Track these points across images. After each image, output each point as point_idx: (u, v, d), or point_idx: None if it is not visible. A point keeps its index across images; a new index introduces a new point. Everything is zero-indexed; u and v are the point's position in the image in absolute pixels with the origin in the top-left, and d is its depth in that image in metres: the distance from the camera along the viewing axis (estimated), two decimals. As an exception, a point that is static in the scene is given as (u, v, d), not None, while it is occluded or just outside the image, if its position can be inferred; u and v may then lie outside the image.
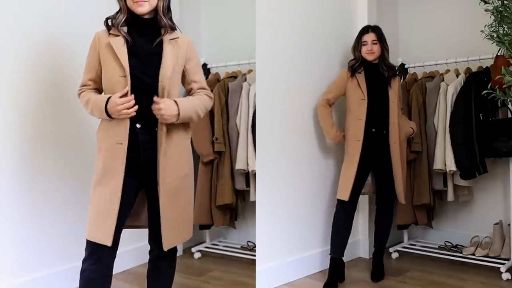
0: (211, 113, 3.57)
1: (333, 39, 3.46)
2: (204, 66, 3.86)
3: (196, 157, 3.62)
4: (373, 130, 3.06)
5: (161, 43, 2.07)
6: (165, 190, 2.03)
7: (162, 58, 2.04)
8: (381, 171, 3.14)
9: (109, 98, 1.96)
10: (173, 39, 2.10)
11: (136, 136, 1.99)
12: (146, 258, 2.24)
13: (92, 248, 1.99)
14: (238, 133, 3.50)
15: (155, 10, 2.06)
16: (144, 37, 2.06)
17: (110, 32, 2.03)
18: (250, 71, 3.58)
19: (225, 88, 3.59)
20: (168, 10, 2.10)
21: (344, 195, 3.03)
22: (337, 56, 3.47)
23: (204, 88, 2.22)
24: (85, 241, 2.01)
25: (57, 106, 2.89)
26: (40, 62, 2.79)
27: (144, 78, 2.00)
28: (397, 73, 3.77)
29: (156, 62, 2.04)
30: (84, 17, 2.95)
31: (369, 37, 3.09)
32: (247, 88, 3.50)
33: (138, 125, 2.00)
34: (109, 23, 2.06)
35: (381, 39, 3.10)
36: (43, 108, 2.82)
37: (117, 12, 2.05)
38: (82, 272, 1.99)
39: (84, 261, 2.01)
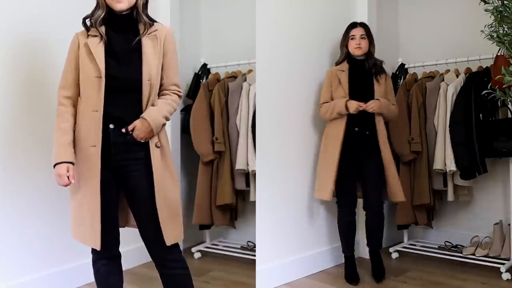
0: (211, 113, 3.58)
1: (333, 39, 3.45)
2: (204, 66, 3.87)
3: (196, 157, 3.64)
4: (356, 129, 3.04)
5: (139, 40, 2.04)
6: (159, 188, 2.01)
7: (142, 56, 2.01)
8: (365, 173, 3.07)
9: (63, 162, 1.96)
10: (151, 33, 2.06)
11: (108, 137, 1.98)
12: (146, 258, 2.24)
13: (97, 250, 2.03)
14: (238, 133, 3.50)
15: (132, 7, 2.03)
16: (122, 34, 2.04)
17: (89, 33, 2.02)
18: (250, 71, 3.58)
19: (225, 88, 3.59)
20: (145, 7, 2.06)
21: (324, 195, 3.06)
22: (337, 57, 3.46)
23: (174, 85, 2.14)
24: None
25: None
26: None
27: (121, 78, 1.98)
28: (398, 73, 3.79)
29: (135, 60, 2.01)
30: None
31: (358, 31, 3.09)
32: (247, 88, 3.50)
33: (111, 126, 1.98)
34: (87, 23, 2.04)
35: (369, 34, 3.11)
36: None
37: (95, 9, 2.03)
38: (98, 268, 2.10)
39: (94, 260, 2.10)
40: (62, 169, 1.96)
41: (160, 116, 2.03)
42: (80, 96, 2.03)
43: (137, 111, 2.01)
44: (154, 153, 2.02)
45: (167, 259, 2.09)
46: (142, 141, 2.00)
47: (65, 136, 1.99)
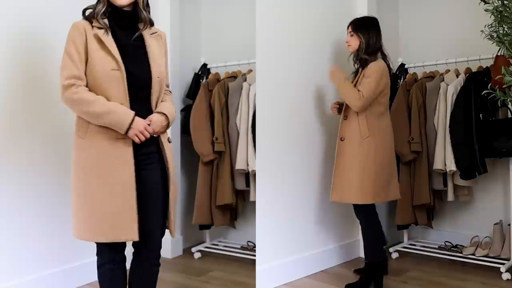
0: (211, 113, 3.57)
1: (333, 39, 3.46)
2: (204, 66, 3.86)
3: (196, 157, 3.64)
4: None
5: (141, 37, 2.03)
6: (171, 182, 2.06)
7: (148, 53, 2.02)
8: None
9: (135, 116, 1.92)
10: (153, 33, 2.09)
11: None
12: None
13: (109, 250, 1.97)
14: (238, 133, 3.50)
15: (134, 3, 2.02)
16: (124, 30, 2.02)
17: (93, 24, 1.96)
18: (250, 71, 3.58)
19: (225, 88, 3.59)
20: (147, 5, 2.06)
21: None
22: (336, 57, 3.47)
23: (167, 85, 2.21)
24: (97, 243, 2.00)
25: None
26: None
27: (134, 73, 1.96)
28: (398, 73, 3.78)
29: (141, 57, 2.01)
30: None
31: (348, 29, 3.03)
32: (247, 88, 3.50)
33: None
34: (86, 13, 2.00)
35: (358, 29, 2.96)
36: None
37: (96, 3, 2.00)
38: (105, 271, 2.01)
39: (104, 263, 2.01)
40: (141, 122, 1.92)
41: (174, 111, 2.10)
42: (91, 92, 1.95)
43: (146, 108, 2.00)
44: (167, 148, 2.06)
45: (157, 255, 2.08)
46: (155, 135, 2.00)
47: (110, 102, 1.91)
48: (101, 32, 1.95)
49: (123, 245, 2.06)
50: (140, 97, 1.99)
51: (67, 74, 1.91)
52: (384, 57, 2.98)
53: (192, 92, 3.81)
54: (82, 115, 1.94)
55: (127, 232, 1.93)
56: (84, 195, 1.95)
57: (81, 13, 2.02)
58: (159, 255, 2.09)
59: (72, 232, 2.02)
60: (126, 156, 1.93)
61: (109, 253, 2.00)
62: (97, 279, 2.08)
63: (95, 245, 2.03)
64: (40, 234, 2.81)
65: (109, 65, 1.92)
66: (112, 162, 1.93)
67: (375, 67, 2.89)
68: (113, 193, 1.92)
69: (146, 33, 2.06)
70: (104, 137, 1.94)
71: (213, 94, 3.58)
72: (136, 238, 1.93)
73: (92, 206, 1.94)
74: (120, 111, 1.90)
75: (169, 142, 2.09)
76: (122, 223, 1.93)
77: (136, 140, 1.93)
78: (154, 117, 1.99)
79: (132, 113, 1.92)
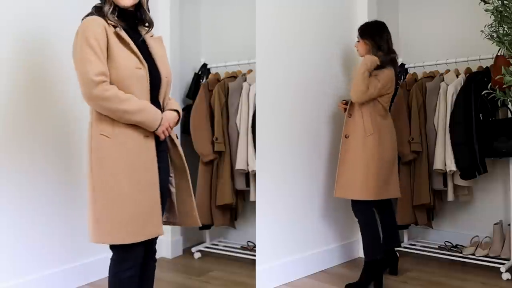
0: (211, 113, 3.57)
1: (333, 39, 3.46)
2: (204, 66, 3.86)
3: (196, 157, 3.64)
4: None
5: (142, 39, 2.04)
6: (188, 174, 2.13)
7: (153, 54, 2.03)
8: None
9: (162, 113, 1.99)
10: (152, 36, 2.10)
11: None
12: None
13: (132, 252, 1.92)
14: (238, 133, 3.50)
15: (137, 5, 2.01)
16: (131, 30, 2.02)
17: (108, 22, 1.92)
18: (250, 71, 3.58)
19: (225, 88, 3.59)
20: (147, 6, 2.06)
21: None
22: (336, 57, 3.47)
23: None
24: (120, 249, 1.91)
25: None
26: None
27: (151, 71, 1.97)
28: (398, 73, 3.78)
29: (148, 57, 2.00)
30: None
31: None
32: (247, 88, 3.50)
33: None
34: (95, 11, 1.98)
35: (363, 35, 3.02)
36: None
37: (103, 4, 1.97)
38: (125, 279, 1.92)
39: (126, 269, 1.92)
40: (166, 118, 1.99)
41: (180, 109, 2.12)
42: None
43: (158, 107, 2.00)
44: (178, 143, 2.09)
45: (154, 251, 2.13)
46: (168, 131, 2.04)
47: (140, 100, 1.90)
48: (119, 29, 1.93)
49: (144, 247, 2.00)
50: (154, 96, 2.00)
51: (97, 70, 1.82)
52: (395, 62, 3.02)
53: (192, 92, 3.81)
54: (111, 112, 1.86)
55: (158, 228, 1.96)
56: (115, 195, 1.87)
57: (80, 13, 2.00)
58: (156, 250, 2.15)
59: (93, 238, 1.90)
60: (152, 154, 1.96)
61: (134, 258, 1.93)
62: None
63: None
64: (40, 234, 2.80)
65: (133, 63, 1.91)
66: (143, 160, 1.93)
67: (384, 75, 2.93)
68: (145, 191, 1.92)
69: (147, 35, 2.07)
70: (134, 135, 1.90)
71: (213, 94, 3.58)
72: (162, 233, 1.99)
73: (127, 206, 1.87)
74: (150, 109, 1.93)
75: (177, 138, 2.12)
76: (153, 220, 1.94)
77: (162, 136, 1.98)
78: (168, 114, 2.02)
79: (159, 110, 1.96)
